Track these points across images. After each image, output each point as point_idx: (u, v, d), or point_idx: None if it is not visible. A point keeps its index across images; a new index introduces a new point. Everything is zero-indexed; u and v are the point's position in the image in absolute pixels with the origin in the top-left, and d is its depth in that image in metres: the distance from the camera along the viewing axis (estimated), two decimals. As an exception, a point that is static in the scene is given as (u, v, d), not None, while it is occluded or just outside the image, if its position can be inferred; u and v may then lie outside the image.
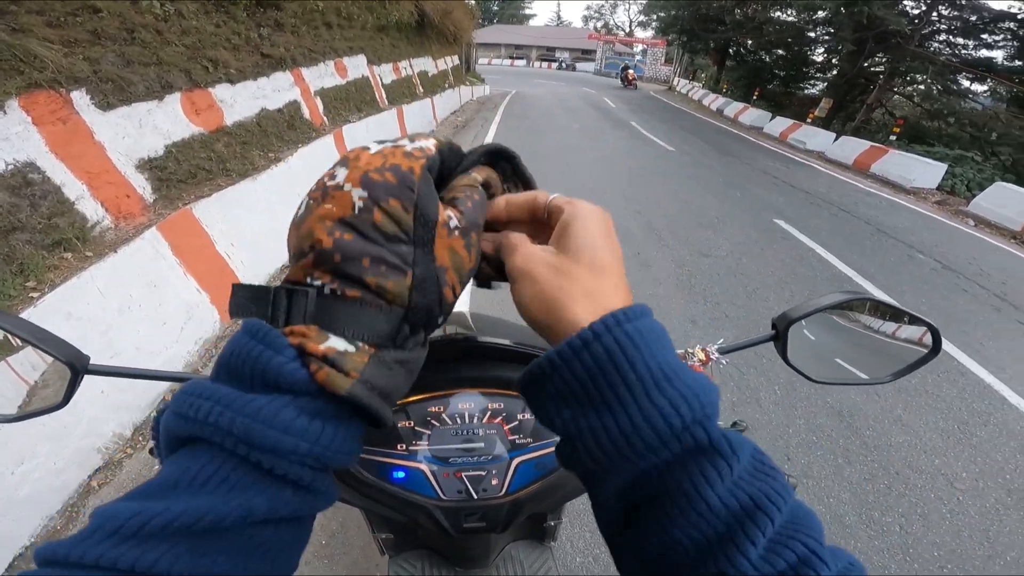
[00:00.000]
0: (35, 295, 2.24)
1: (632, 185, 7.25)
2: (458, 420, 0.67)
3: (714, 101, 21.97)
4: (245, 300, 0.34)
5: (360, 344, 0.31)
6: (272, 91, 5.10)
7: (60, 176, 2.75)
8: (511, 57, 57.98)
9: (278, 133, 4.92)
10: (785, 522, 0.28)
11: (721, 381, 3.03)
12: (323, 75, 6.51)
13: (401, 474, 0.66)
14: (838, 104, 17.87)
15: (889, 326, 0.74)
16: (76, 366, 0.52)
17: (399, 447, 0.66)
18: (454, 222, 0.34)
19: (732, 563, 0.26)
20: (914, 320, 0.70)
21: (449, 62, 15.38)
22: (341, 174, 0.33)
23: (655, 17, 34.84)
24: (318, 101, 6.17)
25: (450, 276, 0.34)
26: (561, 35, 63.71)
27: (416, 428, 0.66)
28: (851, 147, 11.82)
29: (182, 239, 2.98)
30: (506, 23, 68.15)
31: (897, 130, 13.33)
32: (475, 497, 0.67)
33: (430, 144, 0.36)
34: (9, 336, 0.52)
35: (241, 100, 4.52)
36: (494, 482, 0.68)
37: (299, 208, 0.35)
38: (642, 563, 0.30)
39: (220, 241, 3.30)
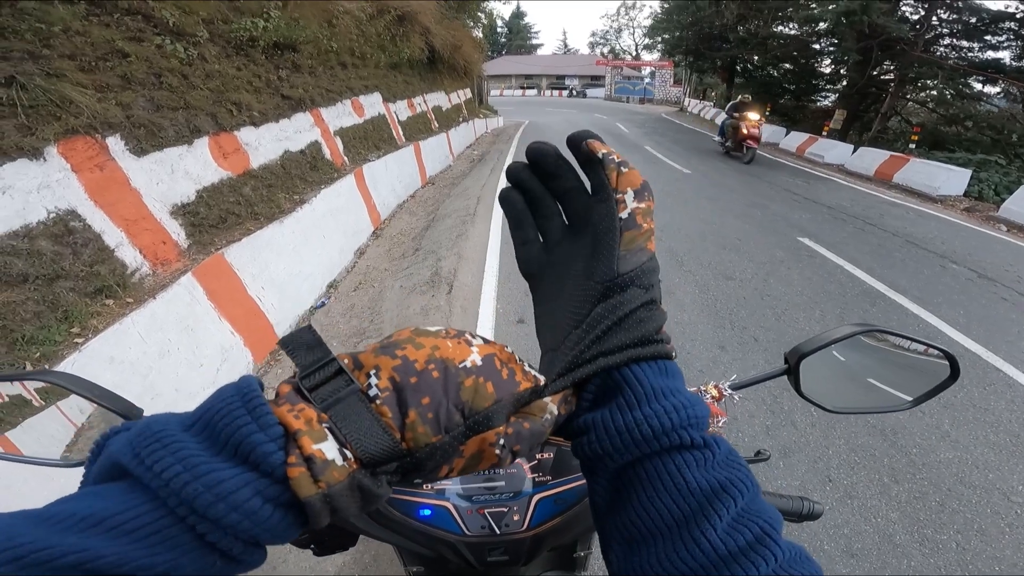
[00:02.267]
0: (79, 340, 2.32)
1: (650, 210, 7.22)
2: None
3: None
4: (300, 343, 0.35)
5: (348, 456, 0.31)
6: (294, 132, 5.26)
7: (100, 223, 2.84)
8: (522, 87, 58.99)
9: (301, 174, 5.06)
10: (748, 509, 0.33)
11: (754, 406, 2.97)
12: (341, 114, 6.70)
13: (427, 512, 0.70)
14: (852, 115, 17.75)
15: (906, 354, 0.74)
16: (130, 418, 0.56)
17: (425, 487, 0.70)
18: (502, 441, 0.35)
19: (703, 533, 0.32)
20: (930, 347, 0.72)
21: (462, 95, 15.73)
22: (476, 338, 0.37)
23: (659, 40, 35.02)
24: (338, 141, 6.34)
25: (456, 463, 0.35)
26: (569, 62, 64.64)
27: None
28: (871, 158, 11.68)
29: (216, 284, 3.06)
30: (514, 54, 69.59)
31: (915, 138, 13.15)
32: (498, 532, 0.70)
33: (541, 376, 0.38)
34: (72, 392, 0.56)
35: (265, 142, 4.67)
36: (516, 517, 0.71)
37: (428, 325, 0.38)
38: (628, 540, 0.36)
39: (251, 285, 3.38)
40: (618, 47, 69.99)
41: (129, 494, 0.27)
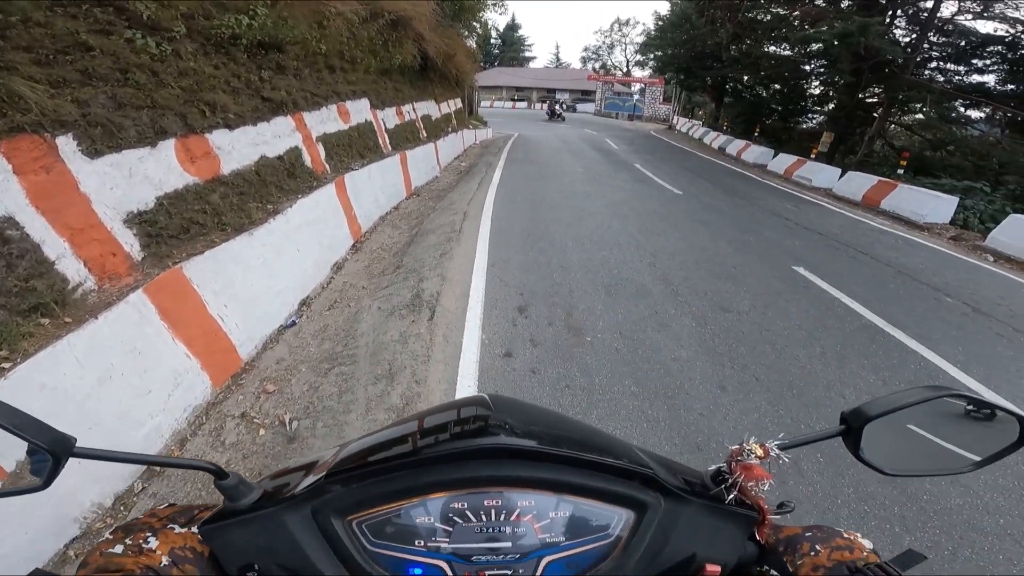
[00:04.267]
0: (6, 365, 2.09)
1: (643, 233, 7.06)
2: (483, 517, 0.65)
3: (715, 139, 22.18)
4: None
5: None
6: (272, 137, 4.99)
7: (40, 232, 2.57)
8: (512, 99, 59.10)
9: (277, 182, 4.79)
10: None
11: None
12: (325, 120, 6.45)
13: (418, 571, 0.64)
14: (839, 137, 17.94)
15: (971, 414, 0.71)
16: (57, 452, 0.51)
17: (417, 543, 0.64)
18: None
19: None
20: (999, 410, 0.69)
21: (452, 105, 15.60)
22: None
23: (651, 57, 35.44)
24: (320, 147, 6.08)
25: None
26: (561, 76, 64.84)
27: (437, 524, 0.64)
28: (858, 183, 11.73)
29: (171, 302, 2.80)
30: (507, 65, 69.86)
31: (904, 163, 13.29)
32: None
33: None
34: None
35: (239, 147, 4.39)
36: None
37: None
38: None
39: (212, 302, 3.12)
40: (610, 63, 70.83)
41: None
